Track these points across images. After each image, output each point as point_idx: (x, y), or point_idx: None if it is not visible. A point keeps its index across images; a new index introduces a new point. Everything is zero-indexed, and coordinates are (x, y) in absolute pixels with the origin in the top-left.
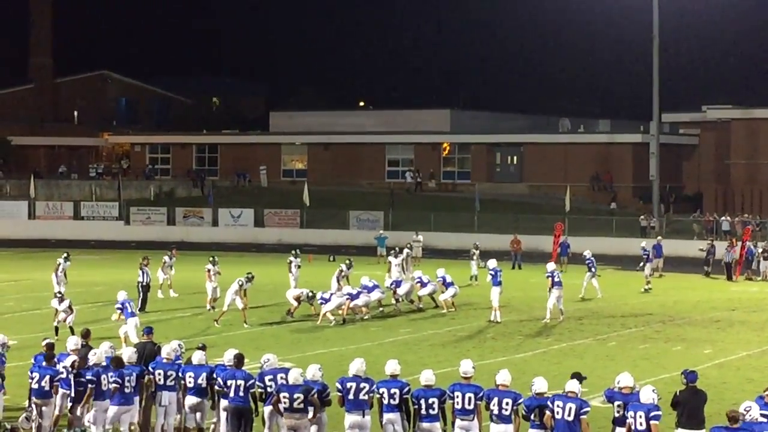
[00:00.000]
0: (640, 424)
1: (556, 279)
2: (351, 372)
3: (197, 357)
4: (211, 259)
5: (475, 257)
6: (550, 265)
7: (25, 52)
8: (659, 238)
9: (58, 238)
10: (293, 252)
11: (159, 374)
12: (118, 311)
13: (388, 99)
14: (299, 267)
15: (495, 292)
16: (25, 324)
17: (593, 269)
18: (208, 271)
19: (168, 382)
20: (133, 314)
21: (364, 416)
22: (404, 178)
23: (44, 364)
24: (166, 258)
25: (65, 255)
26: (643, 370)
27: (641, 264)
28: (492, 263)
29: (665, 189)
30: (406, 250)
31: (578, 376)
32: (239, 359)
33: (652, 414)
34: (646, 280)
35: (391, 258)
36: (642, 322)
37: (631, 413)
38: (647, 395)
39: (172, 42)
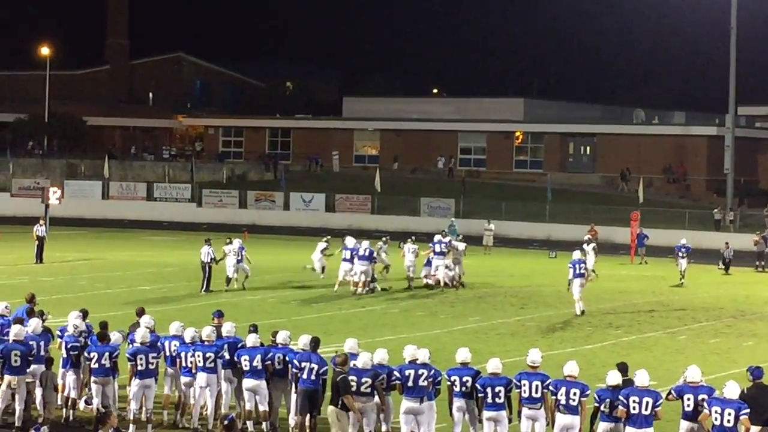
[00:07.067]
0: (728, 420)
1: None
2: (420, 359)
3: (251, 339)
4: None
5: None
6: (576, 253)
7: (102, 34)
8: None
9: (131, 218)
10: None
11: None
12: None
13: (462, 87)
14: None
15: (576, 284)
16: (98, 303)
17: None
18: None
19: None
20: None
21: (421, 402)
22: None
23: (99, 343)
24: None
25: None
26: (713, 364)
27: (678, 260)
28: (576, 254)
29: (740, 182)
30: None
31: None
32: (315, 343)
33: (742, 412)
34: (681, 275)
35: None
36: (713, 317)
37: (716, 409)
38: (734, 391)
39: (247, 26)
